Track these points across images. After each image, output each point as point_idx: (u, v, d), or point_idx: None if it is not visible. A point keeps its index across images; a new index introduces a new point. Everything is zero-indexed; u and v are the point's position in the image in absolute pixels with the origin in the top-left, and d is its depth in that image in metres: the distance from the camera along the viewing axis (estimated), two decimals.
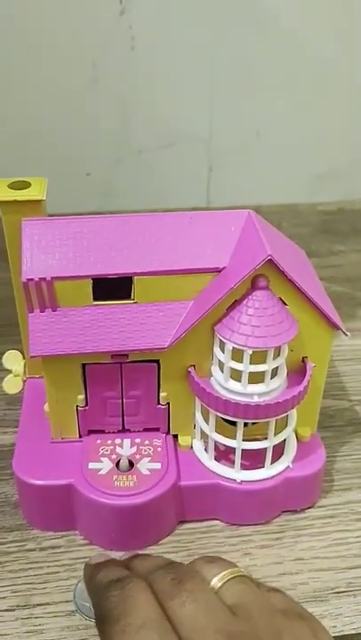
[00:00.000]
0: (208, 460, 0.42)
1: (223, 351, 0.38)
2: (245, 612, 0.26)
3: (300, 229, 0.76)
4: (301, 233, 0.75)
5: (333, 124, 0.77)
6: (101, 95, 0.71)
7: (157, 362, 0.40)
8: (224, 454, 0.42)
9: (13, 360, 0.46)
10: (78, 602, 0.38)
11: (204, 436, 0.42)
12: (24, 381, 0.46)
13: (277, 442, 0.40)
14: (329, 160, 0.80)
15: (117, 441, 0.42)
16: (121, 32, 0.68)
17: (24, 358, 0.46)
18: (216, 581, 0.28)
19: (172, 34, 0.69)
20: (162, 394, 0.41)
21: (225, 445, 0.41)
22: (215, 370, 0.40)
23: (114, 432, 0.43)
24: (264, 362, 0.37)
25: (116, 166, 0.76)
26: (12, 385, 0.46)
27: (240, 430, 0.39)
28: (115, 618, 0.26)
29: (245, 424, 0.39)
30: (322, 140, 0.78)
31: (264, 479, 0.41)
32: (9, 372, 0.46)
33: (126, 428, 0.43)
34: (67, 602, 0.38)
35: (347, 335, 0.40)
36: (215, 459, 0.42)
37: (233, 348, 0.37)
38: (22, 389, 0.46)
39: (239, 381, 0.38)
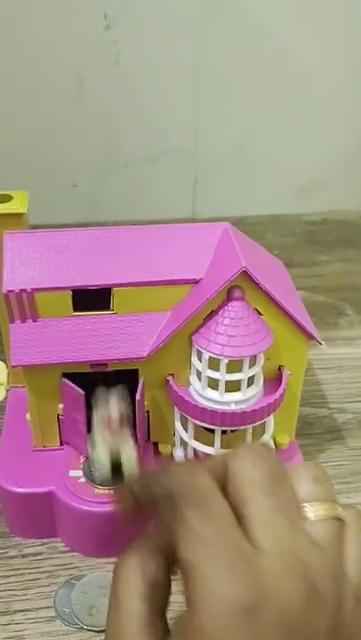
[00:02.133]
0: None
1: (201, 360, 0.39)
2: (323, 557, 0.24)
3: (285, 240, 0.77)
4: (286, 243, 0.76)
5: (317, 136, 0.79)
6: (87, 109, 0.72)
7: (136, 371, 0.40)
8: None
9: None
10: (58, 608, 0.38)
11: (183, 443, 0.43)
12: (7, 390, 0.47)
13: None
14: (314, 171, 0.81)
15: None
16: (106, 47, 0.69)
17: (7, 367, 0.47)
18: (311, 508, 0.25)
19: (157, 49, 0.70)
20: None
21: (204, 453, 0.42)
22: (193, 379, 0.40)
23: None
24: (240, 371, 0.38)
25: (103, 179, 0.77)
26: None
27: (218, 438, 0.40)
28: (192, 502, 0.24)
29: (224, 432, 0.40)
30: (306, 152, 0.79)
31: None
32: None
33: None
34: (47, 608, 0.38)
35: (321, 344, 0.41)
36: None
37: (210, 357, 0.38)
38: (5, 398, 0.47)
39: (217, 390, 0.39)
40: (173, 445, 0.44)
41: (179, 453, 0.43)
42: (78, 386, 0.39)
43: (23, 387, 0.45)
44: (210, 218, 0.79)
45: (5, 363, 0.47)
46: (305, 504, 0.25)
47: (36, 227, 0.43)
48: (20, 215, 0.40)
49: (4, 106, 0.71)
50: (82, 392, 0.39)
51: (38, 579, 0.40)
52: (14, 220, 0.40)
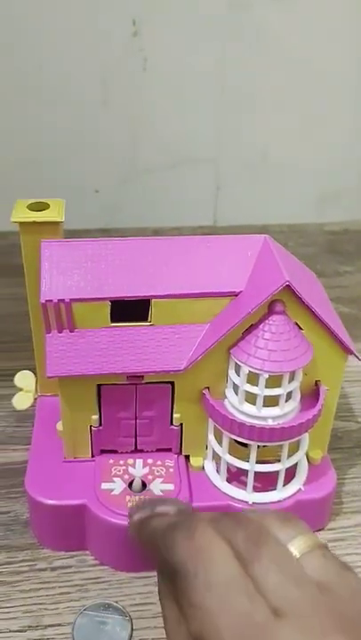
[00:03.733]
0: (220, 482, 0.42)
1: (238, 374, 0.38)
2: (334, 594, 0.24)
3: (307, 249, 0.76)
4: (307, 253, 0.75)
5: (340, 144, 0.78)
6: (111, 114, 0.72)
7: (172, 383, 0.40)
8: (235, 476, 0.42)
9: (24, 377, 0.46)
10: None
11: (216, 457, 0.42)
12: (35, 399, 0.46)
13: (290, 465, 0.41)
14: (335, 180, 0.81)
15: (130, 461, 0.42)
16: (133, 53, 0.69)
17: (36, 376, 0.46)
18: (293, 550, 0.26)
19: (183, 56, 0.70)
20: (175, 415, 0.41)
21: (236, 467, 0.41)
22: (230, 392, 0.40)
23: (126, 452, 0.43)
24: (279, 386, 0.38)
25: (125, 184, 0.76)
26: (22, 401, 0.46)
27: (253, 453, 0.39)
28: (192, 572, 0.24)
29: (258, 446, 0.40)
30: (328, 161, 0.79)
31: (275, 502, 0.41)
32: (19, 389, 0.46)
33: (139, 448, 0.43)
34: None
35: (360, 359, 0.40)
36: (227, 480, 0.42)
37: (249, 371, 0.37)
38: (32, 406, 0.46)
39: (254, 404, 0.38)
40: (205, 458, 0.43)
41: (210, 467, 0.43)
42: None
43: (52, 395, 0.44)
44: (231, 226, 0.78)
45: (34, 372, 0.46)
46: (287, 545, 0.26)
47: None
48: (57, 224, 0.40)
49: (27, 110, 0.71)
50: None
51: (69, 592, 0.39)
52: (51, 228, 0.40)
